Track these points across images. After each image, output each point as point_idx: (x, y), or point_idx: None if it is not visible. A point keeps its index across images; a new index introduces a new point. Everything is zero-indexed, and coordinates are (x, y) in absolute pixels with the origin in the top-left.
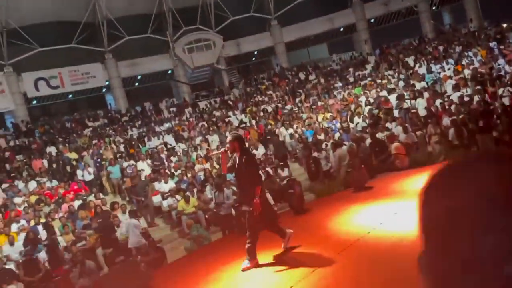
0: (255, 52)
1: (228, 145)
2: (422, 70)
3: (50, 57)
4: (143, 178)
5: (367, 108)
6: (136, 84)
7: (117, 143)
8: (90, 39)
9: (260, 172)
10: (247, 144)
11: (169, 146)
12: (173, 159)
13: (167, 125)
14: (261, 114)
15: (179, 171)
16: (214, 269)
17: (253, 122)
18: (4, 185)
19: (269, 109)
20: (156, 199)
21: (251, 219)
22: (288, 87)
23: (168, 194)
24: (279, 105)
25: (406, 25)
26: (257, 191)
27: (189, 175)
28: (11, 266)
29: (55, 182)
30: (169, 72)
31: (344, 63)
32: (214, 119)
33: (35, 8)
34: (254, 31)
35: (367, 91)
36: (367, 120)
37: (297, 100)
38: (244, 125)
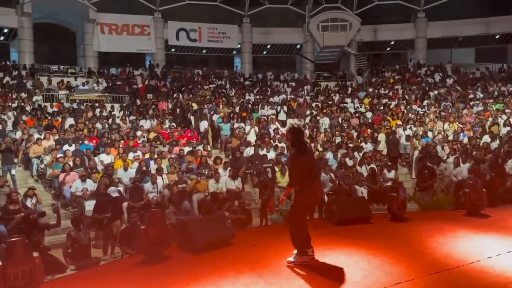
0: (392, 42)
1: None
2: None
3: (194, 11)
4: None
5: (504, 129)
6: (264, 52)
7: (234, 104)
8: (233, 1)
9: (302, 172)
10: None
11: (279, 118)
12: (280, 131)
13: (282, 97)
14: (381, 108)
15: (282, 144)
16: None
17: (369, 114)
18: (132, 117)
19: (392, 104)
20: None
21: (292, 212)
22: (419, 86)
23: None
24: (403, 102)
25: None
26: (287, 190)
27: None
28: (120, 188)
29: (173, 126)
30: (298, 46)
31: (491, 74)
32: (329, 102)
33: None
34: (396, 20)
35: (510, 110)
36: (499, 141)
37: (425, 102)
38: (358, 114)
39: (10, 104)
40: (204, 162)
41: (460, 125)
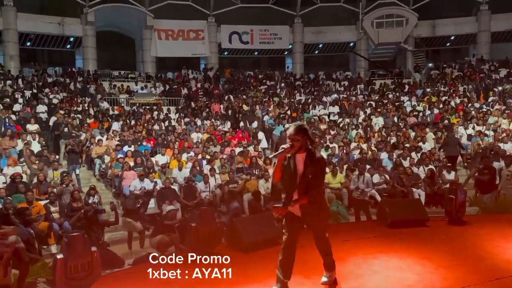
0: (452, 37)
1: (292, 141)
2: None
3: (245, 14)
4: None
5: None
6: (316, 52)
7: (285, 105)
8: (285, 2)
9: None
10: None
11: (331, 118)
12: (332, 131)
13: (334, 96)
14: (441, 106)
15: (334, 145)
16: (343, 250)
17: (427, 112)
18: (186, 119)
19: (452, 102)
20: None
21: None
22: (482, 83)
23: None
24: (465, 100)
25: None
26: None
27: (343, 151)
28: (175, 187)
29: (226, 127)
30: (351, 44)
31: None
32: (385, 101)
33: None
34: (455, 13)
35: None
36: None
37: (490, 99)
38: (416, 113)
39: (75, 108)
40: (254, 163)
41: None
